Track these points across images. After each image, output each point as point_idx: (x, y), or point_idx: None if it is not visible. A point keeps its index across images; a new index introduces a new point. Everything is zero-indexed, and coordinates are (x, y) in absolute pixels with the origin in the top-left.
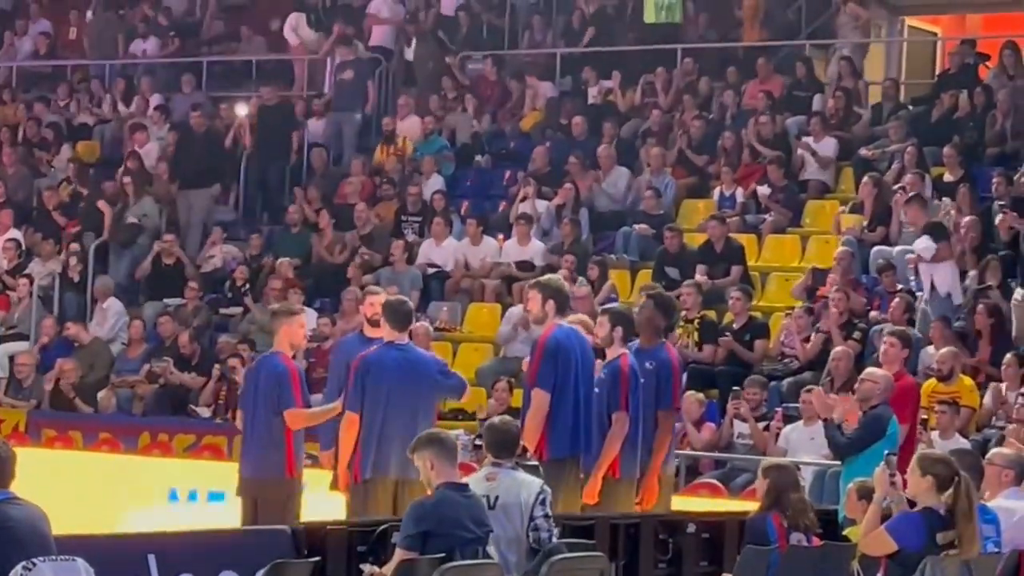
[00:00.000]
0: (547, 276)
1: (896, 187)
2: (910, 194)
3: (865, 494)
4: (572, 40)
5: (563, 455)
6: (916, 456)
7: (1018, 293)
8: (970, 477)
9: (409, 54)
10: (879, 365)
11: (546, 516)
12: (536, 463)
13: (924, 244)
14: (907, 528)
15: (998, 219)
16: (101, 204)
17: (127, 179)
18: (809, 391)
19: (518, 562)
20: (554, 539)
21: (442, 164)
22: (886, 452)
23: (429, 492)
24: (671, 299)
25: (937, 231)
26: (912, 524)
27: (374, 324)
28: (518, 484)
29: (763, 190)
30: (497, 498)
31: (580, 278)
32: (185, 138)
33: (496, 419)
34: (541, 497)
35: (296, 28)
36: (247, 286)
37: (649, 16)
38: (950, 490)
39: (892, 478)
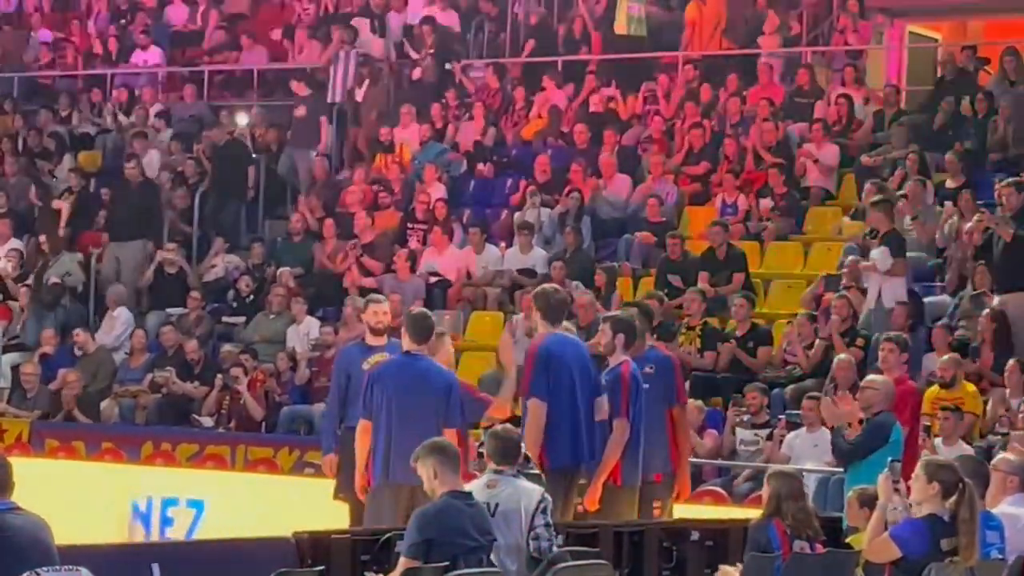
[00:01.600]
0: (541, 287)
1: (898, 193)
2: (873, 198)
3: (866, 501)
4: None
5: (562, 464)
6: (921, 462)
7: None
8: (974, 483)
9: (359, 95)
10: (881, 372)
11: (547, 525)
12: (538, 472)
13: (880, 255)
14: (911, 535)
15: (975, 218)
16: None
17: (42, 236)
18: (812, 399)
19: (518, 570)
20: (555, 548)
21: (449, 166)
22: (890, 459)
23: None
24: (648, 305)
25: (895, 244)
26: (916, 531)
27: (376, 333)
28: (519, 492)
29: (765, 202)
30: (497, 505)
31: (579, 285)
32: (120, 190)
33: (498, 427)
34: (542, 506)
35: None
36: (252, 297)
37: (620, 27)
38: (954, 497)
39: (896, 485)
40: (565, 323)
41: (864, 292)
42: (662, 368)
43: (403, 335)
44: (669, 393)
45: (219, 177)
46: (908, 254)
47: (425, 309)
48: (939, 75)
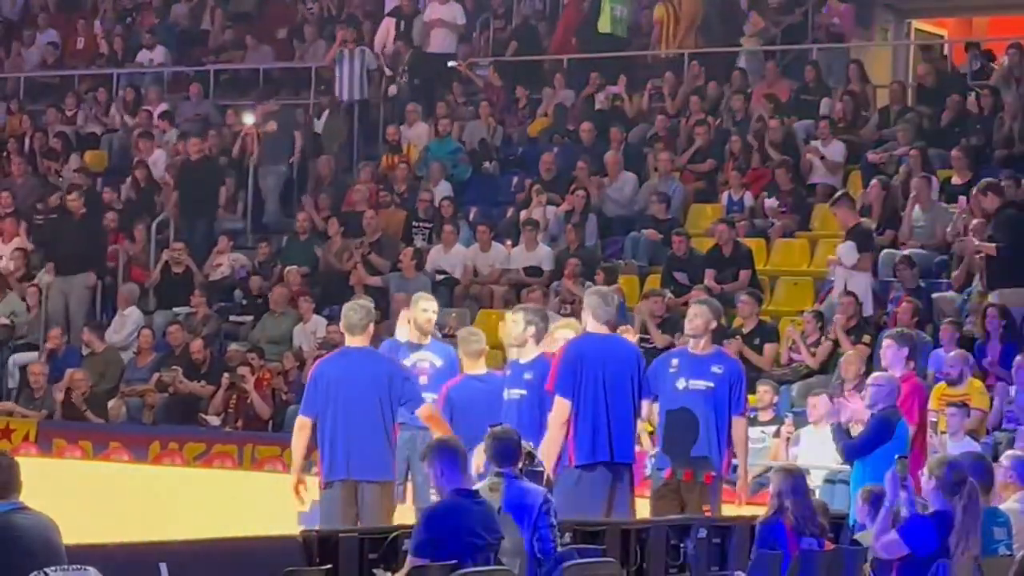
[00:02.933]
0: (533, 307)
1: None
2: (839, 193)
3: (872, 499)
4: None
5: (587, 461)
6: (929, 460)
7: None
8: (981, 480)
9: (319, 126)
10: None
11: (551, 526)
12: (541, 470)
13: (847, 251)
14: (918, 532)
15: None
16: None
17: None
18: (815, 394)
19: (520, 572)
20: (559, 549)
21: (458, 167)
22: (896, 456)
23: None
24: (718, 303)
25: (863, 240)
26: (924, 528)
27: (424, 332)
28: (522, 493)
29: (770, 202)
30: (500, 508)
31: (588, 283)
32: (61, 223)
33: (497, 428)
34: (546, 507)
35: None
36: (261, 299)
37: (604, 26)
38: (957, 494)
39: (903, 481)
40: (570, 319)
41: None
42: (732, 373)
43: (342, 329)
44: (735, 399)
45: (189, 194)
46: (916, 251)
47: (362, 301)
48: (945, 71)
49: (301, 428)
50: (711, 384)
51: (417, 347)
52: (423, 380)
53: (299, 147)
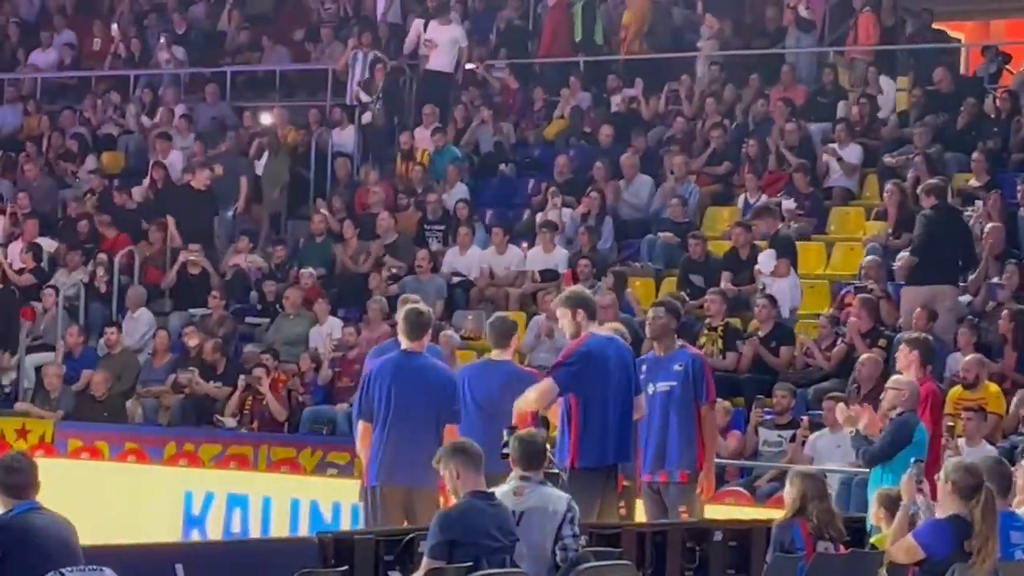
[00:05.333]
0: (570, 289)
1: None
2: (757, 202)
3: (888, 503)
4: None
5: (592, 464)
6: (946, 464)
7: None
8: (997, 484)
9: (259, 168)
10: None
11: (575, 536)
12: (558, 471)
13: (765, 259)
14: (935, 536)
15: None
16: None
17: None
18: (831, 399)
19: None
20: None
21: (461, 173)
22: (913, 459)
23: (455, 501)
24: (675, 303)
25: (782, 246)
26: (940, 532)
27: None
28: (546, 500)
29: (787, 203)
30: (523, 513)
31: (601, 285)
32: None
33: (524, 432)
34: (570, 515)
35: None
36: (277, 303)
37: (578, 34)
38: (975, 499)
39: (919, 485)
40: (615, 324)
41: (886, 293)
42: (691, 367)
43: (400, 333)
44: (699, 391)
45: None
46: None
47: (422, 305)
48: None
49: (363, 433)
50: (672, 383)
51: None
52: None
53: (244, 194)
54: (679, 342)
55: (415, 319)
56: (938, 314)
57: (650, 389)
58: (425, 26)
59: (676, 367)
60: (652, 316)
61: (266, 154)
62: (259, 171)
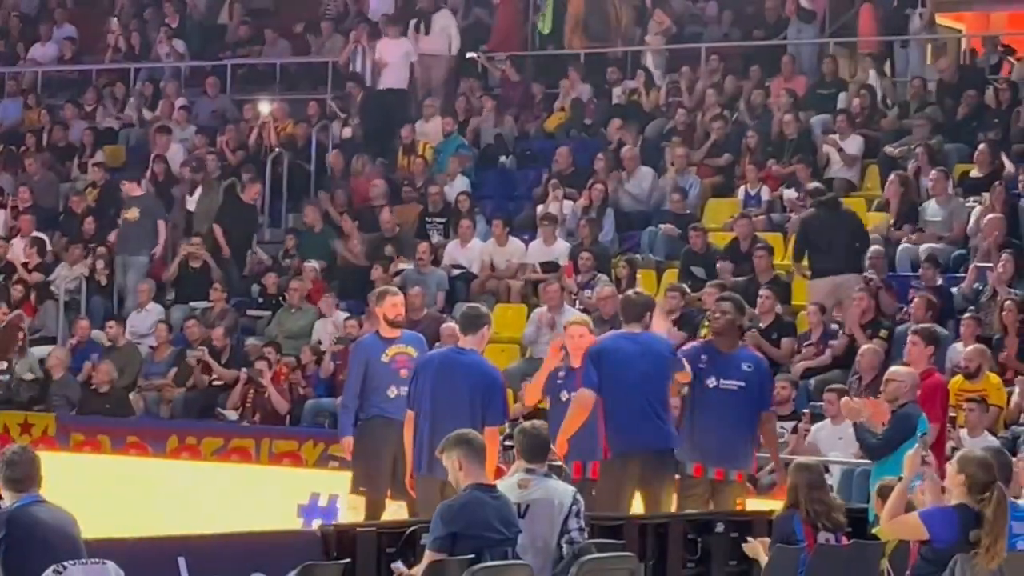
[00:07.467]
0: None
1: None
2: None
3: (887, 494)
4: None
5: (621, 451)
6: (959, 454)
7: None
8: (1001, 475)
9: (191, 203)
10: (906, 364)
11: (580, 529)
12: (560, 463)
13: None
14: (941, 520)
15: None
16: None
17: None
18: (832, 390)
19: (544, 569)
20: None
21: (463, 164)
22: (920, 433)
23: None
24: (740, 299)
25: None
26: (947, 517)
27: (395, 325)
28: (552, 492)
29: (790, 193)
30: (528, 506)
31: (602, 277)
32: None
33: (528, 424)
34: (576, 508)
35: None
36: (281, 297)
37: (545, 27)
38: (986, 495)
39: (925, 457)
40: (582, 315)
41: (886, 284)
42: (758, 370)
43: (459, 332)
44: (764, 397)
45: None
46: (935, 245)
47: (477, 304)
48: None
49: (408, 422)
50: (741, 383)
51: (391, 341)
52: (404, 373)
53: (163, 238)
54: (741, 344)
55: (471, 315)
56: (842, 302)
57: (710, 382)
58: (374, 44)
59: (745, 367)
60: (719, 311)
61: (199, 190)
62: (191, 206)
